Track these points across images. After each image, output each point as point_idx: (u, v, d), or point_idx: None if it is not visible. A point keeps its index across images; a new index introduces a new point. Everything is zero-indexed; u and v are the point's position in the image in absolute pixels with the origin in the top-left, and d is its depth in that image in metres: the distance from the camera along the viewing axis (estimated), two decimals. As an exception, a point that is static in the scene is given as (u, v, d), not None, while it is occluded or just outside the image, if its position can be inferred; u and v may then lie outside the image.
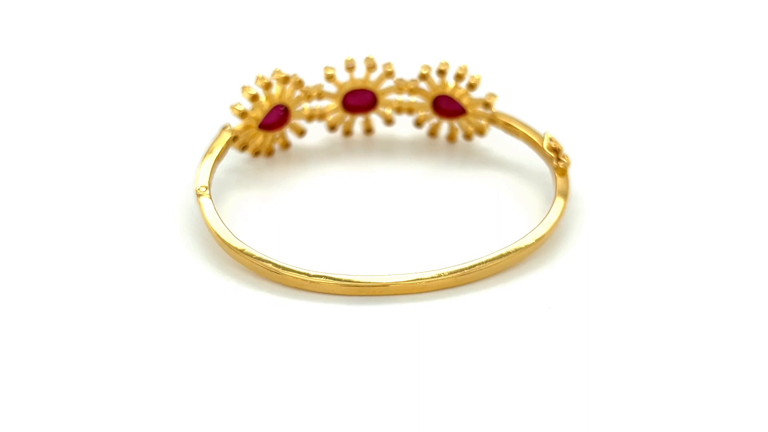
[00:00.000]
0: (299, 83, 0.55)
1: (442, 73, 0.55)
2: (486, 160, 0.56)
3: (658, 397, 0.47)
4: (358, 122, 0.57)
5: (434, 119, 0.56)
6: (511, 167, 0.56)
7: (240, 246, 0.50)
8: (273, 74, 0.54)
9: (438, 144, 0.57)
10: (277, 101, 0.54)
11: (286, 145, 0.56)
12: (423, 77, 0.55)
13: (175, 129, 0.56)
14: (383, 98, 0.56)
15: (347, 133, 0.57)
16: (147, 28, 0.62)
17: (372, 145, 0.57)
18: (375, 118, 0.57)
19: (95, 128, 0.57)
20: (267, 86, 0.54)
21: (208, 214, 0.51)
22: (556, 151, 0.54)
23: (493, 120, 0.56)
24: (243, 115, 0.54)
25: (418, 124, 0.57)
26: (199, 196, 0.51)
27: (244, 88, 0.54)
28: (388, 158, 0.56)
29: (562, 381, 0.47)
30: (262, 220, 0.53)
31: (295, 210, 0.53)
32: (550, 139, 0.54)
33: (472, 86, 0.55)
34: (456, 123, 0.56)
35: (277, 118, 0.55)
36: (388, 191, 0.54)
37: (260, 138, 0.55)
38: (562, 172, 0.53)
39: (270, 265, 0.50)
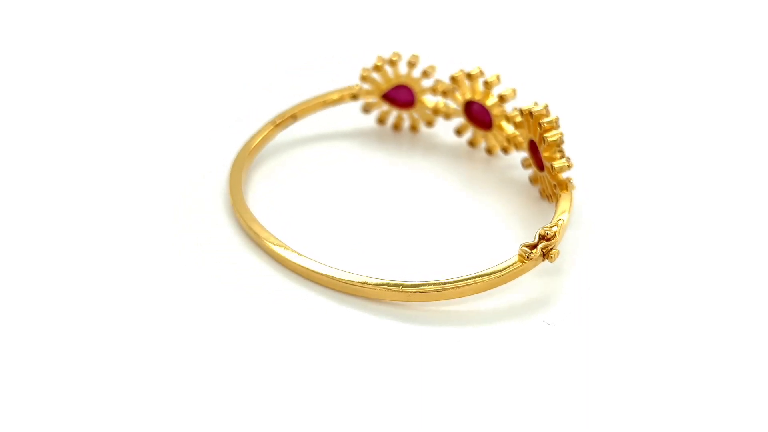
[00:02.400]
0: (430, 72, 0.55)
1: (531, 116, 0.51)
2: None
3: (662, 397, 0.46)
4: (483, 137, 0.55)
5: (534, 168, 0.53)
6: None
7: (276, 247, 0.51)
8: (410, 57, 0.55)
9: (534, 193, 0.53)
10: (403, 81, 0.55)
11: (415, 128, 0.57)
12: (521, 113, 0.52)
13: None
14: (497, 122, 0.54)
15: (472, 144, 0.55)
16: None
17: (490, 165, 0.55)
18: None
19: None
20: (392, 63, 0.55)
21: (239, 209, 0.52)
22: (543, 239, 0.48)
23: (558, 187, 0.51)
24: (365, 78, 0.56)
25: (525, 166, 0.53)
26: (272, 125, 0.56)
27: (377, 58, 0.56)
28: (495, 184, 0.54)
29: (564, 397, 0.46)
30: (310, 185, 0.54)
31: (343, 188, 0.54)
32: (552, 227, 0.48)
33: (547, 143, 0.51)
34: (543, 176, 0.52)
35: (406, 98, 0.56)
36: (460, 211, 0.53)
37: (384, 108, 0.56)
38: (519, 257, 0.48)
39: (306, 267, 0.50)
